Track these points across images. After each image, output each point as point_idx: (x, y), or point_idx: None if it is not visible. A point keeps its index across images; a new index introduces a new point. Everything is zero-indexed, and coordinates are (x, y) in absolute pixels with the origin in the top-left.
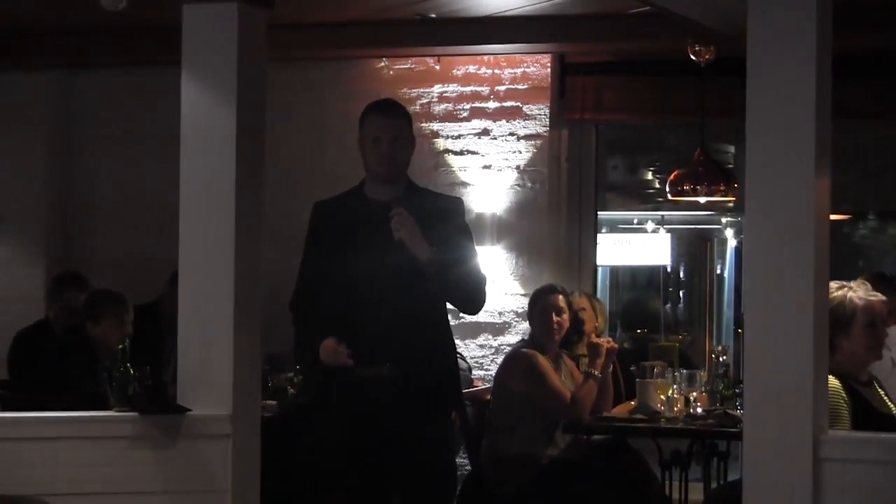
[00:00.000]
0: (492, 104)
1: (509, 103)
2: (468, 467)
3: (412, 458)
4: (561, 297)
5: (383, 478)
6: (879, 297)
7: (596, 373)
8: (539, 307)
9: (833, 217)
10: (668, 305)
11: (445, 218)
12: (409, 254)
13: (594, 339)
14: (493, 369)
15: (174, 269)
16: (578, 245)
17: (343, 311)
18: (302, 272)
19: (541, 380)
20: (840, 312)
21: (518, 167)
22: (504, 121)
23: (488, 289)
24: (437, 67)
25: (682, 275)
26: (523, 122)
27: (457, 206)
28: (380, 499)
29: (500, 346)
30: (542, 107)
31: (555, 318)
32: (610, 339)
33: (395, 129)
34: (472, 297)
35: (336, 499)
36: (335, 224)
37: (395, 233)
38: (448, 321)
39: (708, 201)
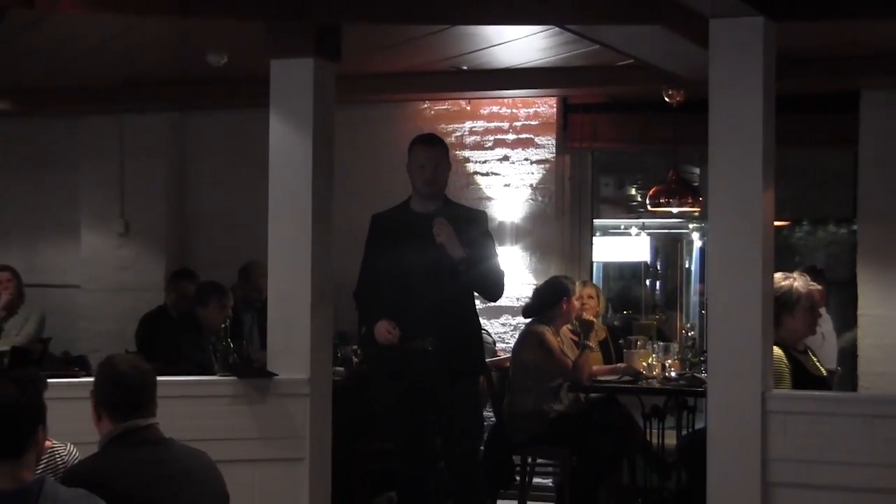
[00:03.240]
0: (511, 136)
1: (524, 135)
2: (493, 419)
3: (449, 410)
4: (579, 288)
5: (427, 426)
6: (817, 287)
7: (590, 344)
8: (567, 295)
9: (776, 223)
10: (648, 292)
11: (473, 225)
12: (446, 253)
13: (587, 318)
14: (512, 343)
15: (243, 265)
16: (578, 245)
17: (394, 299)
18: (362, 269)
19: (549, 351)
20: (787, 297)
21: (531, 185)
22: (520, 149)
23: (508, 279)
24: (468, 108)
25: (658, 268)
26: (535, 150)
27: (482, 216)
28: (425, 442)
29: (517, 324)
30: (549, 138)
31: (577, 304)
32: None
33: (436, 158)
34: (494, 288)
35: (391, 442)
36: (388, 231)
37: (436, 237)
38: (475, 305)
39: (679, 211)
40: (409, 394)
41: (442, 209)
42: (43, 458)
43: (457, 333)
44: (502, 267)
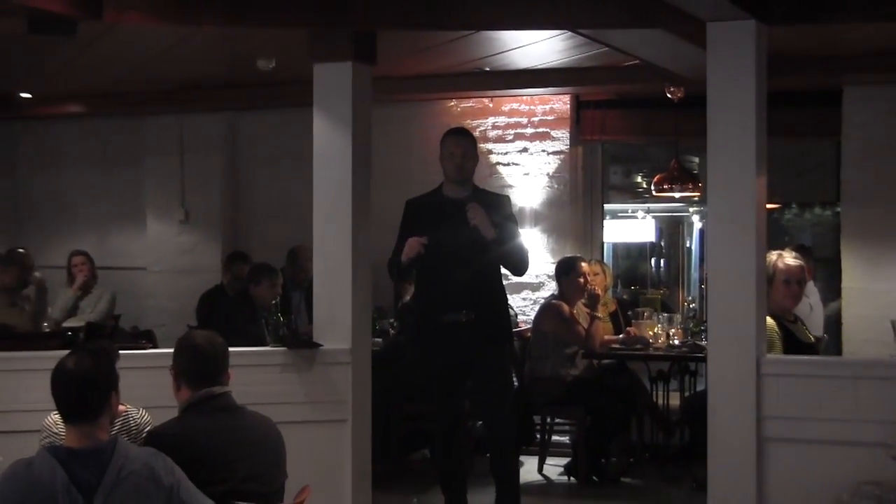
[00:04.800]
0: (529, 130)
1: (541, 129)
2: (515, 383)
3: (484, 376)
4: (586, 265)
5: (459, 389)
6: (798, 262)
7: (599, 315)
8: (573, 273)
9: (768, 206)
10: (653, 269)
11: (499, 209)
12: (478, 233)
13: (594, 291)
14: (532, 315)
15: (291, 248)
16: (591, 227)
17: (430, 276)
18: (396, 245)
19: (565, 322)
20: (769, 271)
21: (548, 174)
22: (538, 141)
23: (530, 258)
24: (491, 105)
25: (662, 248)
26: (551, 143)
27: (507, 200)
28: (459, 405)
29: (536, 298)
30: (564, 131)
31: (582, 281)
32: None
33: (465, 147)
34: (521, 264)
35: (424, 405)
36: (422, 215)
37: (470, 220)
38: (502, 281)
39: (680, 196)
40: (446, 362)
41: (472, 195)
42: (118, 420)
43: (487, 306)
44: (526, 246)
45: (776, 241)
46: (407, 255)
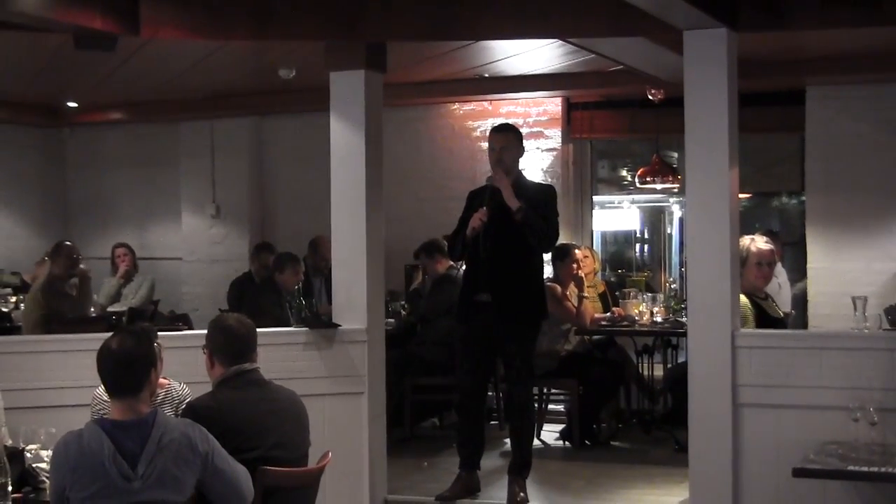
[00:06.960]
0: (525, 130)
1: (536, 129)
2: None
3: (509, 352)
4: (578, 252)
5: (481, 362)
6: (768, 246)
7: (585, 295)
8: (567, 259)
9: (740, 195)
10: (638, 254)
11: (540, 195)
12: (502, 215)
13: (579, 274)
14: None
15: (312, 239)
16: (581, 217)
17: (470, 255)
18: (456, 227)
19: (559, 302)
20: (742, 254)
21: (542, 169)
22: (533, 140)
23: (553, 238)
24: (490, 107)
25: (646, 235)
26: (545, 141)
27: (547, 191)
28: (483, 377)
29: None
30: (556, 130)
31: (575, 267)
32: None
33: (503, 142)
34: (543, 242)
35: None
36: (473, 201)
37: (493, 181)
38: (538, 263)
39: (662, 188)
40: (473, 336)
41: (515, 183)
42: (162, 391)
43: (512, 289)
44: (558, 230)
45: (748, 227)
46: (470, 227)
